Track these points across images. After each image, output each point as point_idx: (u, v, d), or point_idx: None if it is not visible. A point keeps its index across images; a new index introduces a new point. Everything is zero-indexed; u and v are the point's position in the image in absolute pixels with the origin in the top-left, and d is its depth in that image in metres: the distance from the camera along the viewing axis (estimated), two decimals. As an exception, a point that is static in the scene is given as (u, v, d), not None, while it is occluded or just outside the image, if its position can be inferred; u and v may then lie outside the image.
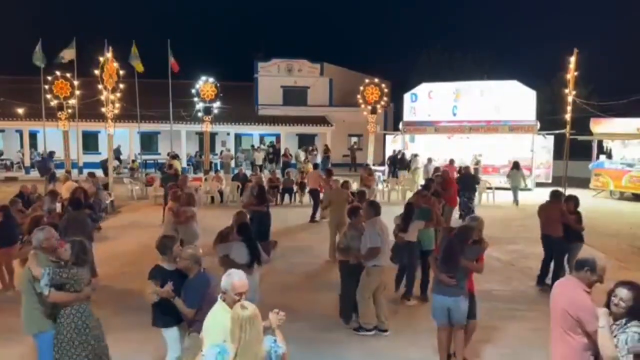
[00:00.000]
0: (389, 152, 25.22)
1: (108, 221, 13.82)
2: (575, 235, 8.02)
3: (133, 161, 26.68)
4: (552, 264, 8.27)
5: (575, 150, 22.48)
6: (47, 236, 4.80)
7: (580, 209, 8.22)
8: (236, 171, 20.27)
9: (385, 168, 24.04)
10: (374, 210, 6.41)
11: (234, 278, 3.30)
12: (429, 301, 7.32)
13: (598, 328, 3.47)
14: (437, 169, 15.97)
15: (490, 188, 18.46)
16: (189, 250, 4.58)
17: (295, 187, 17.86)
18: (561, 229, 8.00)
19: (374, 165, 24.48)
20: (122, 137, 27.67)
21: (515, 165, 17.96)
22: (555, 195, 8.48)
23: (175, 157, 22.70)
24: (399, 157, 23.78)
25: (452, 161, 19.98)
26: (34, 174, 25.64)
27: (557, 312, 3.74)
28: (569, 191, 15.67)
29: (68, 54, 23.27)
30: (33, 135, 28.76)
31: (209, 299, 4.45)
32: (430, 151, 23.27)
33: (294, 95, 33.91)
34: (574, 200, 8.27)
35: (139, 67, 23.56)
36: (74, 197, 8.96)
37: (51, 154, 23.37)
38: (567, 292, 3.74)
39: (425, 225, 7.56)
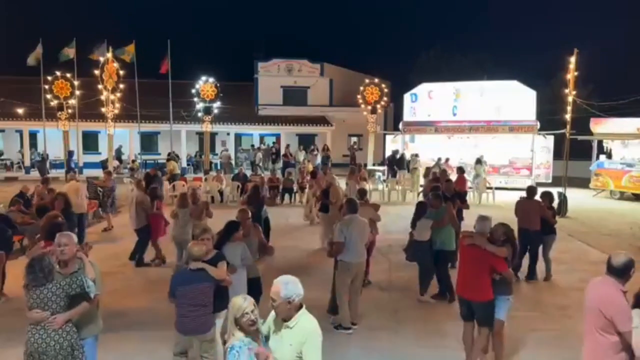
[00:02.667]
0: (389, 152, 25.17)
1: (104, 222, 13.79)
2: (550, 228, 8.69)
3: (133, 161, 26.68)
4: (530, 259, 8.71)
5: (575, 150, 22.42)
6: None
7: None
8: (236, 171, 20.27)
9: (385, 168, 24.02)
10: (350, 207, 6.70)
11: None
12: (454, 301, 7.31)
13: (632, 328, 3.45)
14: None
15: (490, 188, 18.47)
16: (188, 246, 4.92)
17: (295, 187, 17.85)
18: (539, 223, 8.48)
19: (374, 165, 24.52)
20: (122, 137, 27.66)
21: (478, 161, 19.28)
22: (532, 191, 9.04)
23: (171, 158, 22.56)
24: (397, 157, 23.75)
25: (447, 160, 20.07)
26: (34, 173, 25.65)
27: (591, 311, 3.69)
28: (569, 191, 15.71)
29: (71, 52, 23.31)
30: (33, 135, 28.74)
31: (179, 297, 4.58)
32: (430, 151, 23.29)
33: (294, 95, 33.91)
34: (549, 196, 8.95)
35: (126, 58, 23.45)
36: (41, 204, 8.77)
37: (70, 153, 23.60)
38: (602, 292, 3.67)
39: (433, 224, 7.59)
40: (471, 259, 5.32)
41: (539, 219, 8.47)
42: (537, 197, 8.89)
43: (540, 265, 8.73)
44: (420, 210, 7.85)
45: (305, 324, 3.18)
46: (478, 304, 5.31)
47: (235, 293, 4.93)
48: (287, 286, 3.17)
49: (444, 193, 9.47)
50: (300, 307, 3.19)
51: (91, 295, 4.13)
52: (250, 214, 6.37)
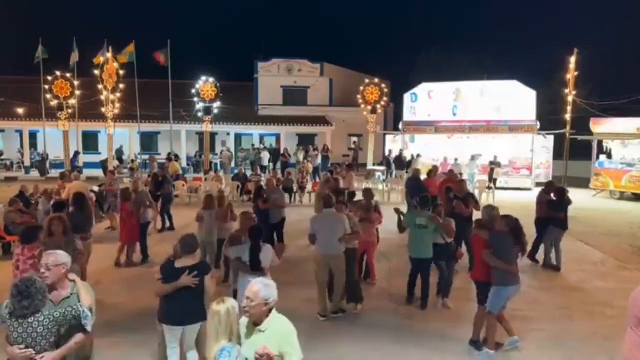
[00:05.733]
0: (395, 152, 25.10)
1: (108, 221, 13.80)
2: (553, 220, 9.36)
3: (133, 161, 26.68)
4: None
5: (575, 150, 22.49)
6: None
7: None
8: (236, 171, 20.26)
9: (384, 168, 24.04)
10: (323, 204, 7.37)
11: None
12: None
13: None
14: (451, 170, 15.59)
15: (490, 188, 18.46)
16: None
17: (295, 187, 17.84)
18: (542, 211, 9.61)
19: (374, 165, 24.53)
20: (122, 137, 27.65)
21: (472, 158, 20.07)
22: (547, 184, 10.43)
23: (172, 159, 22.44)
24: (394, 157, 23.75)
25: (446, 160, 20.09)
26: (34, 174, 25.65)
27: (629, 309, 3.98)
28: (569, 191, 15.68)
29: (75, 56, 23.47)
30: (33, 135, 28.74)
31: None
32: (430, 151, 23.29)
33: (294, 95, 33.89)
34: (550, 186, 10.15)
35: (122, 59, 23.52)
36: (59, 200, 8.68)
37: (76, 153, 23.68)
38: (637, 290, 3.91)
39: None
40: (473, 241, 6.20)
41: (543, 208, 9.58)
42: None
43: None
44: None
45: (278, 325, 3.17)
46: (474, 282, 6.12)
47: None
48: (267, 288, 3.16)
49: (456, 194, 9.36)
50: (271, 311, 3.18)
51: (88, 327, 3.44)
52: (253, 216, 6.55)
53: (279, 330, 3.14)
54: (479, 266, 5.94)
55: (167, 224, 12.88)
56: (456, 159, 20.42)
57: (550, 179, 21.66)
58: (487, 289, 5.75)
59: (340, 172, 15.08)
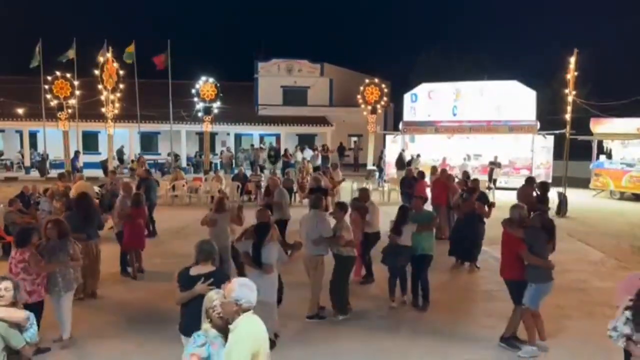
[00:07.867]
0: (391, 152, 25.05)
1: (108, 222, 13.77)
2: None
3: (132, 161, 26.68)
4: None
5: (575, 150, 22.43)
6: None
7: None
8: (236, 171, 20.26)
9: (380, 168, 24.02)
10: (311, 204, 7.44)
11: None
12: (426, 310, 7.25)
13: None
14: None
15: (490, 188, 18.43)
16: None
17: (295, 187, 17.81)
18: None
19: (373, 165, 24.53)
20: (122, 137, 27.64)
21: (466, 157, 20.79)
22: (527, 180, 10.63)
23: (178, 167, 22.24)
24: (384, 158, 23.76)
25: (445, 160, 20.10)
26: (34, 174, 25.65)
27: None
28: (569, 191, 15.69)
29: (70, 53, 23.52)
30: (33, 135, 28.73)
31: None
32: (430, 151, 23.25)
33: (294, 95, 33.89)
34: (533, 182, 10.45)
35: (128, 59, 23.67)
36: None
37: (76, 153, 23.75)
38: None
39: (418, 229, 7.26)
40: (502, 240, 6.05)
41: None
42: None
43: None
44: (404, 214, 7.44)
45: (242, 326, 3.06)
46: (506, 282, 6.04)
47: (268, 291, 5.42)
48: (241, 288, 3.10)
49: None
50: (244, 312, 3.10)
51: None
52: (268, 214, 6.52)
53: (238, 331, 3.08)
54: (509, 265, 5.90)
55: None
56: (464, 159, 20.47)
57: (550, 179, 21.67)
58: (520, 287, 5.75)
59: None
